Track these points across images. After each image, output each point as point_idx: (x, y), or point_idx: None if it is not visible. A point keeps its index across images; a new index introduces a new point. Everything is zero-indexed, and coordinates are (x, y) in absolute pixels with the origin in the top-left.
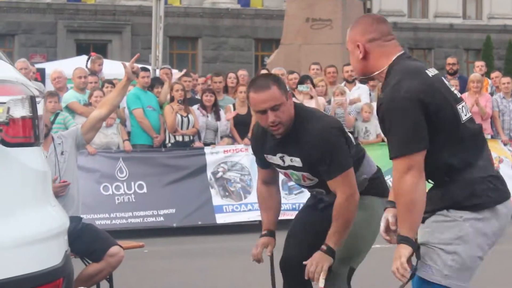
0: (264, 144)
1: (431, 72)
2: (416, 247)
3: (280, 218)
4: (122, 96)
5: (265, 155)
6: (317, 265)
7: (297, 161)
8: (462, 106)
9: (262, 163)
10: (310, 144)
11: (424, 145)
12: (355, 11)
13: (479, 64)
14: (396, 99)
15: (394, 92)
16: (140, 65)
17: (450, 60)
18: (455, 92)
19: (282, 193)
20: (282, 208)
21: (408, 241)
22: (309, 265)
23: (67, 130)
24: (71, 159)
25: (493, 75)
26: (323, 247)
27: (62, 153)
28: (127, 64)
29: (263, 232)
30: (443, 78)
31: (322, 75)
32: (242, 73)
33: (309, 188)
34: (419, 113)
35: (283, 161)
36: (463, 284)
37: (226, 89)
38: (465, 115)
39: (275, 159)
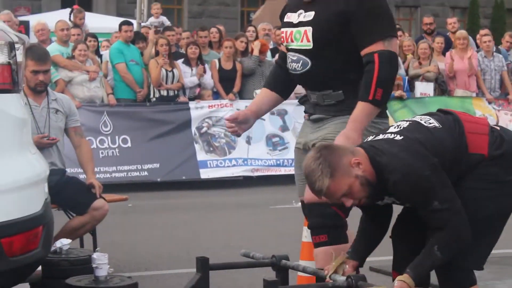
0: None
1: None
2: None
3: (265, 173)
4: None
5: (286, 14)
6: None
7: (309, 15)
8: None
9: None
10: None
11: None
12: None
13: (451, 21)
14: None
15: None
16: (123, 19)
17: (426, 19)
18: None
19: (266, 149)
20: (266, 164)
21: None
22: None
23: (71, 103)
24: (62, 122)
25: (482, 32)
26: None
27: (56, 112)
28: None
29: None
30: None
31: None
32: (220, 28)
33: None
34: None
35: (298, 16)
36: None
37: (210, 44)
38: None
39: (292, 16)
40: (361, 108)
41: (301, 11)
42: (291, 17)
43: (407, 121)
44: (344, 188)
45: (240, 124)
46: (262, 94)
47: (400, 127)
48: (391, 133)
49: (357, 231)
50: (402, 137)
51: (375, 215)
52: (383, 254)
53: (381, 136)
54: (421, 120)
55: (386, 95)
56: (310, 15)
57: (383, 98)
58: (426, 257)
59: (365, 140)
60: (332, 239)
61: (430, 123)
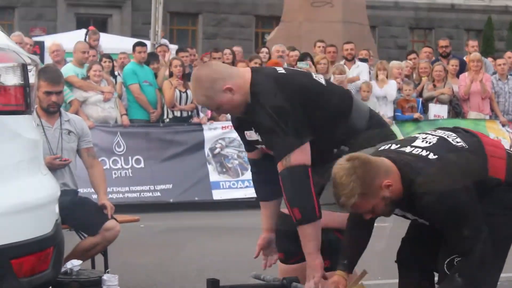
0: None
1: None
2: None
3: None
4: None
5: (245, 132)
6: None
7: (257, 135)
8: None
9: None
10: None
11: None
12: None
13: (473, 44)
14: None
15: None
16: (137, 40)
17: (442, 42)
18: None
19: None
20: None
21: None
22: None
23: (84, 125)
24: (75, 143)
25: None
26: None
27: (69, 133)
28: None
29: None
30: None
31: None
32: (237, 49)
33: None
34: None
35: (257, 135)
36: None
37: None
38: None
39: (252, 134)
40: (300, 234)
41: (253, 128)
42: (251, 135)
43: (433, 135)
44: (368, 207)
45: (269, 249)
46: (263, 209)
47: (430, 143)
48: (422, 148)
49: (344, 240)
50: (436, 156)
51: (361, 218)
52: (383, 277)
53: (409, 149)
54: (447, 137)
55: (304, 208)
56: (257, 135)
57: (305, 213)
58: (447, 284)
59: (390, 147)
60: (334, 264)
61: (457, 142)
